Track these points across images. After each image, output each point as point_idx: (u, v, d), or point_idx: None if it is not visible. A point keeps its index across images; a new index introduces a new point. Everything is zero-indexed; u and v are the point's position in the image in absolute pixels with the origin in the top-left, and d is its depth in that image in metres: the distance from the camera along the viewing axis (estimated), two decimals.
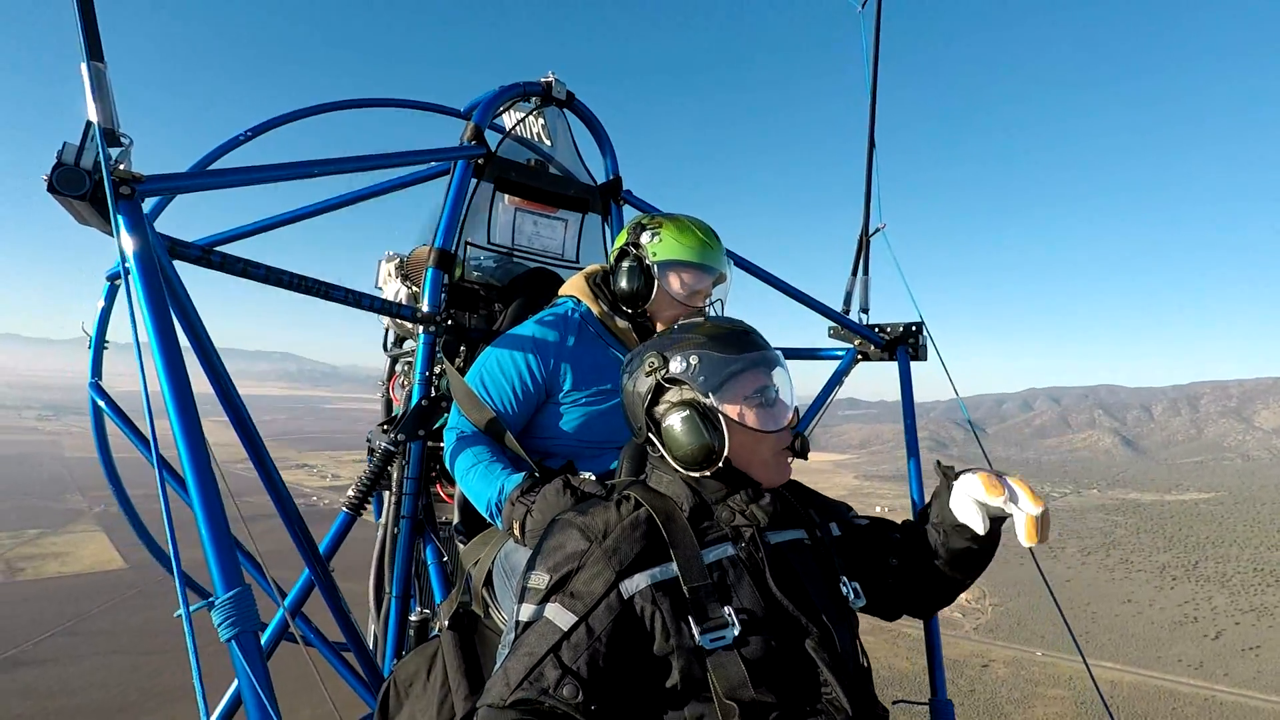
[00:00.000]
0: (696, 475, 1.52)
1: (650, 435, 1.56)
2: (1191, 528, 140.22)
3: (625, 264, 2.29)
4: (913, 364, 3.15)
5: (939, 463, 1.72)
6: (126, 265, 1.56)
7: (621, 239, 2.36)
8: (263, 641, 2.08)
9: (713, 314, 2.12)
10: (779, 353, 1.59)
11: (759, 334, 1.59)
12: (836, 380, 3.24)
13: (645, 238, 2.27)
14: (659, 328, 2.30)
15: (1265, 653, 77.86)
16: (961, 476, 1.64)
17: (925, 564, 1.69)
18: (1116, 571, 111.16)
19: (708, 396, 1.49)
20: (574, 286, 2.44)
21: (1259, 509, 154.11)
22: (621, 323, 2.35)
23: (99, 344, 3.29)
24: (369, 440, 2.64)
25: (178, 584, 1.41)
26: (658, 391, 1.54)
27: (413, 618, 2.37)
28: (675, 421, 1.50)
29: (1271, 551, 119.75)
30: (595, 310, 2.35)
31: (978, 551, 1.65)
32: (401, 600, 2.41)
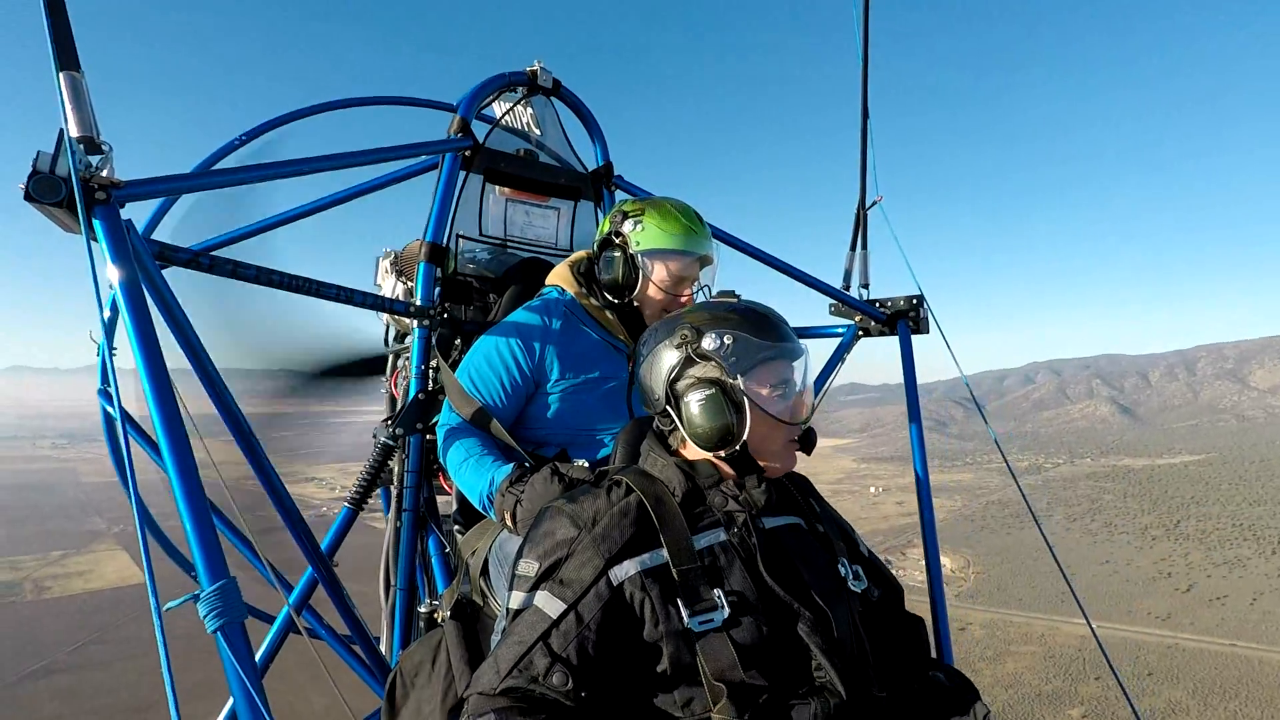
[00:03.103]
0: (710, 455, 1.51)
1: (668, 409, 1.54)
2: (1178, 489, 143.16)
3: (609, 253, 2.27)
4: (916, 342, 3.17)
5: None
6: (97, 269, 1.55)
7: (604, 227, 2.34)
8: (270, 635, 2.31)
9: (740, 297, 1.73)
10: (805, 345, 1.59)
11: (788, 324, 1.59)
12: (838, 357, 3.23)
13: (628, 226, 2.25)
14: (646, 314, 2.31)
15: (1231, 601, 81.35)
16: None
17: (896, 653, 1.61)
18: (1099, 535, 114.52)
19: (735, 378, 1.47)
20: (558, 275, 2.44)
21: (1246, 468, 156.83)
22: (607, 311, 2.33)
23: (107, 351, 3.22)
24: (374, 436, 2.60)
25: (148, 581, 1.44)
26: (685, 365, 1.52)
27: (422, 609, 2.37)
28: (698, 397, 1.48)
29: (1253, 507, 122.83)
30: (580, 298, 2.35)
31: None
32: (406, 592, 2.43)
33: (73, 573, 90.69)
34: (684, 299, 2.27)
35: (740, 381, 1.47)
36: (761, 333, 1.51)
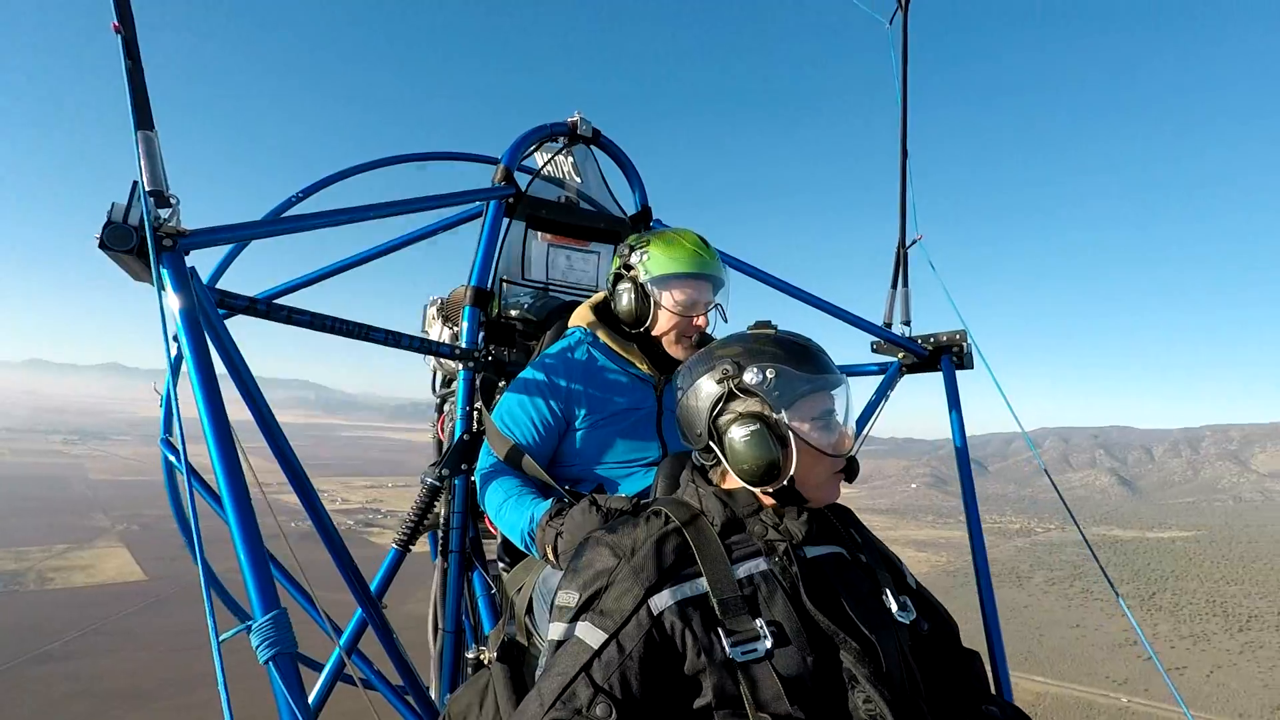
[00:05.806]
0: (755, 490, 1.50)
1: (710, 444, 1.53)
2: (1160, 563, 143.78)
3: (621, 286, 2.35)
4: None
5: None
6: (164, 313, 1.62)
7: (614, 263, 2.43)
8: (321, 680, 2.31)
9: (781, 328, 1.71)
10: (844, 375, 1.59)
11: (827, 354, 1.58)
12: (882, 394, 3.24)
13: (635, 258, 2.32)
14: (665, 342, 2.36)
15: (1189, 672, 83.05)
16: None
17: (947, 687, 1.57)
18: (1075, 600, 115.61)
19: (779, 412, 1.47)
20: (579, 315, 2.52)
21: (1232, 548, 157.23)
22: (628, 344, 2.38)
23: (168, 402, 3.31)
24: (422, 479, 2.54)
25: (208, 611, 1.44)
26: (727, 399, 1.52)
27: (470, 654, 2.29)
28: (742, 434, 1.47)
29: (1229, 586, 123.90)
30: (602, 335, 2.40)
31: None
32: (454, 635, 2.44)
33: (75, 566, 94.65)
34: (698, 321, 2.34)
35: (784, 416, 1.47)
36: (803, 365, 1.51)
